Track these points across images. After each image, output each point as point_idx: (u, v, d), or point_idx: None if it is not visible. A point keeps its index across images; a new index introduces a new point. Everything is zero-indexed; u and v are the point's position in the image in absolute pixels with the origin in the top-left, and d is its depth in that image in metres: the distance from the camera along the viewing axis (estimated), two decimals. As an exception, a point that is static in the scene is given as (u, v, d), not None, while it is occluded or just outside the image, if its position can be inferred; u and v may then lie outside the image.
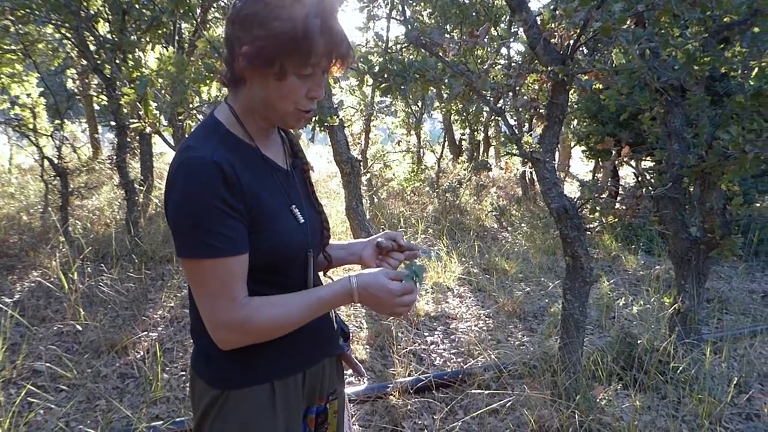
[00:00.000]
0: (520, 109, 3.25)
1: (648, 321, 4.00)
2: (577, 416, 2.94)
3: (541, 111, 2.95)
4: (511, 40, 3.87)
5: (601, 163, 11.19)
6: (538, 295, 5.54)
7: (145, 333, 4.34)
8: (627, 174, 13.84)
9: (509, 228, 8.88)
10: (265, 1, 1.16)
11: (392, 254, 1.54)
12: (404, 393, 3.41)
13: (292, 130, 1.52)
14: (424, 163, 12.59)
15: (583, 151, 10.30)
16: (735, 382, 3.43)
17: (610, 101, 3.60)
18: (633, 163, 3.75)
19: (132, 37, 5.38)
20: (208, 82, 3.51)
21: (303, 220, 1.34)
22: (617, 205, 2.82)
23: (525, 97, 2.78)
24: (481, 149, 13.50)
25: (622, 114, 3.97)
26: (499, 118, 2.97)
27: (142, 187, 6.69)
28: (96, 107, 12.68)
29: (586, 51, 3.06)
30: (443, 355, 4.19)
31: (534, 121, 3.02)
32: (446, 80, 3.26)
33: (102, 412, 3.28)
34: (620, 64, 3.15)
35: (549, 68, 2.83)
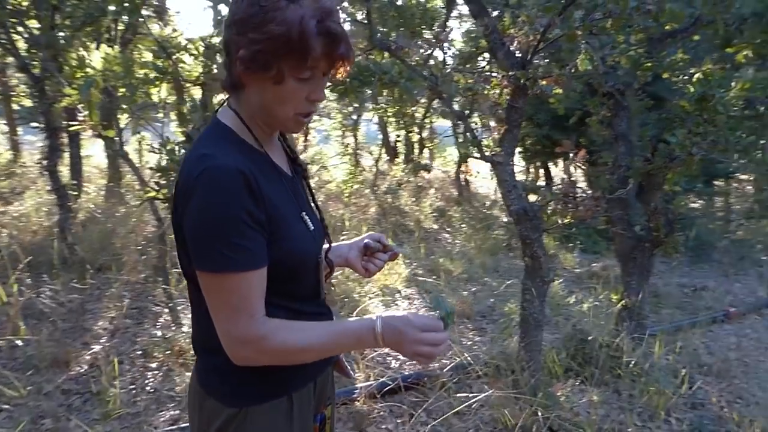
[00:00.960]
0: (480, 114, 3.30)
1: (598, 317, 4.14)
2: (540, 413, 3.00)
3: (501, 115, 3.00)
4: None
5: (537, 164, 11.48)
6: (485, 295, 5.64)
7: (86, 345, 4.14)
8: (556, 174, 14.28)
9: (449, 229, 9.00)
10: (261, 3, 1.12)
11: (378, 255, 1.54)
12: (369, 398, 3.39)
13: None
14: (362, 165, 12.60)
15: (519, 152, 10.57)
16: (684, 373, 3.59)
17: (560, 105, 3.71)
18: (579, 165, 3.87)
19: (62, 35, 5.15)
20: (157, 83, 3.39)
21: (312, 227, 1.32)
22: (579, 207, 2.91)
23: (489, 102, 2.82)
24: (416, 151, 13.60)
25: (570, 117, 4.09)
26: (460, 122, 3.00)
27: (74, 193, 6.39)
28: (15, 107, 12.01)
29: (543, 56, 3.14)
30: (399, 358, 4.20)
31: (493, 124, 3.07)
32: (402, 83, 3.27)
33: (49, 431, 3.11)
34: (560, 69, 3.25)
35: (510, 73, 2.89)
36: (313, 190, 1.49)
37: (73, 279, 5.12)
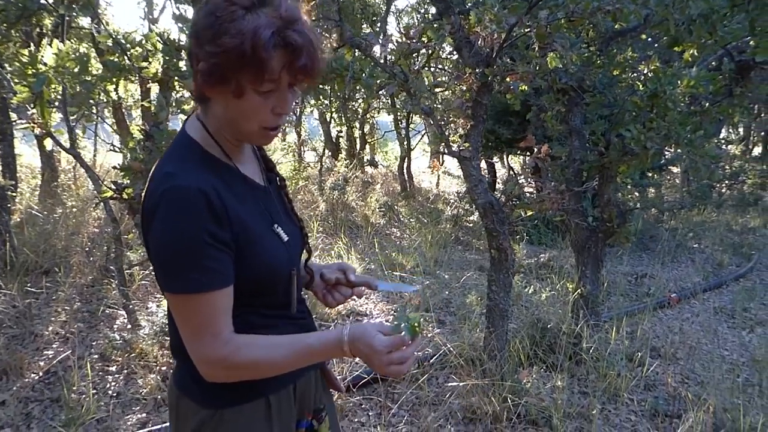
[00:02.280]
0: (447, 110, 3.36)
1: (554, 306, 4.29)
2: (509, 401, 3.10)
3: (468, 111, 3.07)
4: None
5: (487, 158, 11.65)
6: (438, 287, 5.73)
7: (38, 351, 3.99)
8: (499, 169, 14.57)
9: (397, 224, 9.08)
10: (216, 14, 1.08)
11: (340, 288, 1.50)
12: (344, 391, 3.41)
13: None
14: (305, 161, 12.53)
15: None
16: (637, 357, 3.78)
17: (516, 101, 3.82)
18: (541, 159, 3.99)
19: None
20: (114, 80, 3.29)
21: (286, 238, 1.30)
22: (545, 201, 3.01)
23: (459, 99, 2.89)
24: (358, 146, 13.63)
25: (512, 112, 4.21)
26: (428, 118, 3.05)
27: (12, 193, 6.10)
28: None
29: (506, 54, 3.22)
30: (362, 352, 4.22)
31: (459, 120, 3.13)
32: (364, 78, 3.30)
33: (11, 441, 2.99)
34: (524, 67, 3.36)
35: (477, 70, 2.96)
36: (290, 198, 1.46)
37: (17, 283, 4.91)
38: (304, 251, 1.45)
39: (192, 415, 1.25)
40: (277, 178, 1.44)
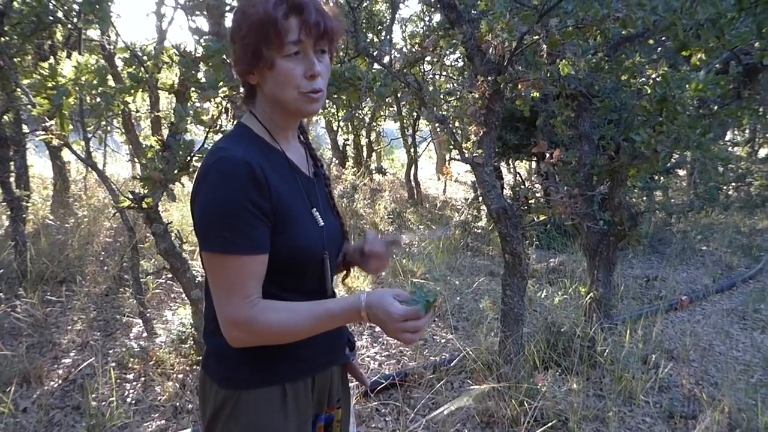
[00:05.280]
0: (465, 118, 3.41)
1: (567, 310, 4.32)
2: (526, 404, 3.13)
3: (481, 118, 3.12)
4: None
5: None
6: (450, 293, 5.76)
7: (56, 360, 4.04)
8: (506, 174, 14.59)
9: (405, 231, 9.11)
10: (241, 9, 1.25)
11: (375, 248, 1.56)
12: (363, 396, 3.45)
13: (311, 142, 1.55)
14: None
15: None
16: (651, 359, 3.80)
17: (526, 107, 3.86)
18: (553, 164, 4.02)
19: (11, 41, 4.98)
20: (132, 92, 3.35)
21: (322, 224, 1.37)
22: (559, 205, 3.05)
23: (472, 106, 2.93)
24: (365, 154, 13.69)
25: (521, 119, 4.25)
26: (441, 125, 3.09)
27: (27, 204, 6.16)
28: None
29: (516, 62, 3.26)
30: (376, 359, 4.26)
31: (471, 127, 3.18)
32: (376, 87, 3.35)
33: (36, 448, 3.04)
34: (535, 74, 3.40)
35: (488, 77, 3.00)
36: (333, 196, 1.55)
37: (35, 292, 4.97)
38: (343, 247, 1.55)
39: (213, 396, 1.32)
40: (324, 176, 1.53)
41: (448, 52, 8.75)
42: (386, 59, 3.25)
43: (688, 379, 3.86)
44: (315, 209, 1.37)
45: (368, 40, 10.15)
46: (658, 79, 3.54)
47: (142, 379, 3.80)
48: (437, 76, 9.99)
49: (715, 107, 3.73)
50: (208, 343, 1.36)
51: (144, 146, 3.44)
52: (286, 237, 1.26)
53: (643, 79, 3.95)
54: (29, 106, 3.58)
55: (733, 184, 11.40)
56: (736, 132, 15.40)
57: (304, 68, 1.24)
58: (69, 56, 4.59)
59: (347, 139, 13.27)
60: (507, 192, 9.98)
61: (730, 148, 11.89)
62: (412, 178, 11.87)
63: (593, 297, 4.04)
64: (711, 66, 4.10)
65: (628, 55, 4.03)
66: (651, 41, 3.86)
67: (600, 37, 3.99)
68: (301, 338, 1.27)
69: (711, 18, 3.36)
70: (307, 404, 1.39)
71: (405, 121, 11.73)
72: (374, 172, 9.31)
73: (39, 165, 10.89)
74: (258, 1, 1.21)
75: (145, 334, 4.30)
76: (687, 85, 3.46)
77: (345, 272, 1.65)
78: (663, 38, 4.03)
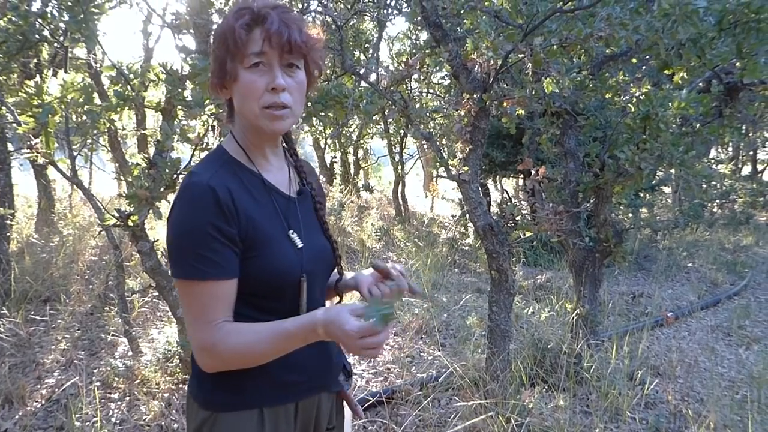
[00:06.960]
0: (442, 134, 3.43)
1: (553, 326, 4.33)
2: (513, 421, 3.12)
3: (467, 135, 3.14)
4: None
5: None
6: (438, 310, 5.76)
7: (39, 380, 3.99)
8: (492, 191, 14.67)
9: (393, 248, 9.12)
10: (216, 31, 1.30)
11: (386, 281, 1.47)
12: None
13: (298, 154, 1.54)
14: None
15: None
16: (637, 375, 3.81)
17: (512, 124, 3.89)
18: (538, 181, 4.06)
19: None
20: (118, 110, 3.35)
21: (300, 245, 1.33)
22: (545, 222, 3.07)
23: (458, 124, 2.96)
24: (353, 171, 13.71)
25: (521, 136, 4.29)
26: (428, 143, 3.12)
27: (11, 222, 6.11)
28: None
29: (501, 80, 3.30)
30: (363, 376, 4.24)
31: (457, 144, 3.20)
32: (363, 105, 3.37)
33: (16, 470, 2.99)
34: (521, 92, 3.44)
35: (474, 95, 3.03)
36: (323, 215, 1.49)
37: (18, 311, 4.91)
38: (335, 270, 1.51)
39: (195, 416, 1.33)
40: (312, 195, 1.48)
41: (434, 70, 8.90)
42: (373, 77, 3.28)
43: (674, 395, 3.87)
44: (292, 231, 1.34)
45: (355, 58, 10.24)
46: (641, 97, 3.59)
47: (127, 398, 3.76)
48: (424, 94, 10.06)
49: (698, 125, 3.79)
50: (192, 364, 1.35)
51: (130, 164, 3.44)
52: (259, 260, 1.25)
53: (627, 97, 4.01)
54: (14, 125, 3.56)
55: (718, 201, 11.52)
56: (719, 150, 15.61)
57: (267, 81, 1.23)
58: (55, 74, 4.59)
59: (334, 157, 13.30)
60: (494, 209, 10.03)
61: (714, 166, 12.03)
62: (399, 195, 11.90)
63: (579, 313, 4.05)
64: (693, 85, 4.17)
65: (612, 73, 4.09)
66: (634, 60, 3.91)
67: (584, 56, 4.05)
68: (269, 360, 1.25)
69: (692, 38, 3.41)
70: (288, 430, 1.36)
71: (392, 138, 11.78)
72: (361, 189, 9.29)
73: (24, 183, 10.81)
74: (228, 15, 1.25)
75: (130, 353, 4.26)
76: (670, 104, 3.52)
77: (338, 298, 1.58)
78: (646, 57, 4.09)
